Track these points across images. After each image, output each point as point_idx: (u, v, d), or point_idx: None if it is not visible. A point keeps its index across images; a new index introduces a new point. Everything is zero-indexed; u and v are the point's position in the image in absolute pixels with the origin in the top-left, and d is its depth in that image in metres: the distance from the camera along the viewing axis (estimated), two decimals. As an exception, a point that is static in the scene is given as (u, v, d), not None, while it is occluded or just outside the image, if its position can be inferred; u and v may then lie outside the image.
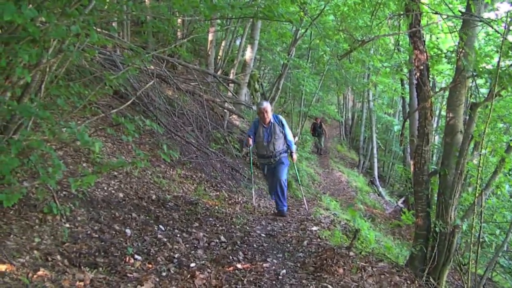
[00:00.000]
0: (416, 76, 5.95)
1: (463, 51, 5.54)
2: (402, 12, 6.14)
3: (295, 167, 10.40)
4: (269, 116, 8.78)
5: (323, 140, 28.80)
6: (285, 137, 8.87)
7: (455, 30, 6.44)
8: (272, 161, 8.88)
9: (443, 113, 21.06)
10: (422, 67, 5.85)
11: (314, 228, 7.78)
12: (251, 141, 8.88)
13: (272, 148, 8.74)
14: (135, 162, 4.33)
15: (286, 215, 8.93)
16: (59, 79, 4.49)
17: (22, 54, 3.28)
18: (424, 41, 6.01)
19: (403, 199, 19.47)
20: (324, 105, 31.07)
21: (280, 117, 9.01)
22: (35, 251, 4.04)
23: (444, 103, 20.39)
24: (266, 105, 8.82)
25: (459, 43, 5.64)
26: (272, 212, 9.22)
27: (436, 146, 16.81)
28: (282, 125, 8.85)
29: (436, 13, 5.98)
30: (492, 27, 5.40)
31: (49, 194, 4.97)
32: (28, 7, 3.16)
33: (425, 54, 5.87)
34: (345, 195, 17.43)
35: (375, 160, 25.48)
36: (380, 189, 23.28)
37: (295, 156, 9.12)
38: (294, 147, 9.04)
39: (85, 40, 4.25)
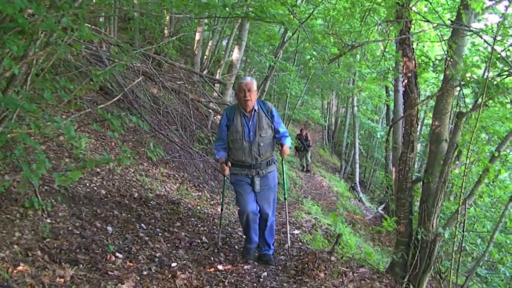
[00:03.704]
0: (404, 83, 5.98)
1: (451, 60, 5.58)
2: (392, 19, 6.15)
3: (284, 172, 6.36)
4: (253, 99, 5.59)
5: (310, 155, 24.10)
6: (277, 130, 5.78)
7: (442, 39, 6.47)
8: (253, 174, 5.74)
9: (426, 121, 21.26)
10: (410, 75, 5.88)
11: (296, 231, 7.79)
12: (227, 170, 5.76)
13: (256, 151, 5.63)
14: (121, 159, 4.28)
15: (272, 261, 5.98)
16: (46, 72, 4.43)
17: (10, 45, 3.22)
18: (413, 48, 6.04)
19: (383, 205, 19.53)
20: (309, 109, 31.15)
21: (269, 104, 5.86)
22: (15, 246, 3.97)
23: (428, 111, 20.58)
24: (250, 80, 5.60)
25: (447, 51, 5.68)
26: (242, 268, 5.70)
27: (418, 154, 16.92)
28: (272, 116, 5.74)
29: (426, 21, 6.01)
30: (481, 37, 5.43)
31: (31, 189, 4.91)
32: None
33: (413, 61, 5.91)
34: (326, 199, 17.45)
35: (357, 165, 25.57)
36: (361, 195, 23.34)
37: (286, 148, 5.70)
38: (288, 140, 5.79)
39: (73, 34, 4.19)
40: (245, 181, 5.80)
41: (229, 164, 5.70)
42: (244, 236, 6.18)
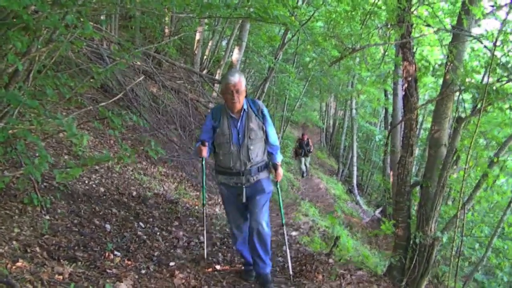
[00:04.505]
0: (404, 87, 5.99)
1: (451, 64, 5.59)
2: (393, 23, 6.16)
3: (278, 189, 5.53)
4: (241, 100, 4.84)
5: (309, 161, 23.11)
6: (267, 139, 5.05)
7: (442, 44, 6.49)
8: (243, 182, 4.94)
9: (425, 125, 21.29)
10: (410, 79, 5.90)
11: (294, 233, 7.79)
12: (204, 151, 4.87)
13: (245, 156, 4.89)
14: (122, 157, 4.29)
15: (270, 281, 5.23)
16: (48, 69, 4.44)
17: (14, 41, 3.23)
18: (414, 52, 6.06)
19: (380, 209, 19.53)
20: (307, 111, 31.17)
21: (260, 103, 5.09)
22: (14, 242, 3.97)
23: (427, 115, 20.61)
24: (238, 80, 4.74)
25: (448, 56, 5.69)
26: (239, 269, 5.61)
27: (416, 158, 16.95)
28: (263, 116, 5.00)
29: (428, 25, 6.03)
30: (482, 43, 5.45)
31: (30, 185, 4.90)
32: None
33: (414, 65, 5.92)
34: (324, 202, 17.45)
35: (355, 168, 25.57)
36: (358, 197, 23.37)
37: (280, 171, 5.22)
38: (279, 157, 5.20)
39: (75, 31, 4.20)
40: (233, 189, 5.02)
41: (207, 144, 4.89)
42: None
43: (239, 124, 4.88)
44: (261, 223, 4.96)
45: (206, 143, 4.89)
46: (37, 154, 4.80)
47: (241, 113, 4.91)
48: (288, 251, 5.56)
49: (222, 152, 4.96)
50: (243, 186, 4.93)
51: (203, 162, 5.28)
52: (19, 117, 4.61)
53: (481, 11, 5.73)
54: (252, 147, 4.88)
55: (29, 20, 3.32)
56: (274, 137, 5.10)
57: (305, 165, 22.46)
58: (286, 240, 5.78)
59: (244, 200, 4.94)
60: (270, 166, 5.15)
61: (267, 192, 5.06)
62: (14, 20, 3.55)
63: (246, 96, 4.93)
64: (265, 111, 5.03)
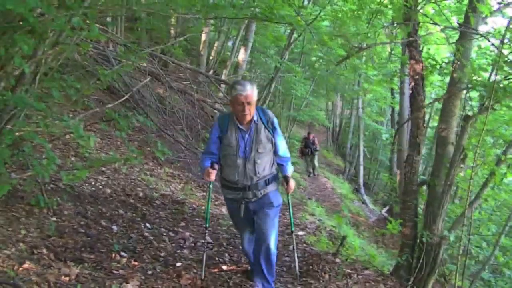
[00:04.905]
0: (411, 86, 5.97)
1: (459, 62, 5.57)
2: (400, 21, 6.14)
3: (289, 200, 5.22)
4: (252, 112, 4.51)
5: (317, 160, 22.80)
6: (276, 151, 4.72)
7: (448, 42, 6.47)
8: (250, 197, 4.62)
9: (431, 123, 21.22)
10: (417, 77, 5.87)
11: (300, 233, 7.78)
12: (213, 175, 4.59)
13: (251, 170, 4.55)
14: (129, 158, 4.30)
15: None
16: (54, 71, 4.45)
17: (21, 44, 3.24)
18: (421, 51, 6.03)
19: (387, 208, 19.46)
20: (313, 110, 31.12)
21: (270, 113, 4.75)
22: (21, 244, 4.00)
23: (433, 113, 20.54)
24: (251, 91, 4.40)
25: (455, 54, 5.67)
26: (246, 269, 5.46)
27: (422, 157, 16.90)
28: (273, 128, 4.66)
29: (434, 23, 6.00)
30: (489, 41, 5.43)
31: (37, 187, 4.93)
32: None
33: (421, 64, 5.90)
34: (330, 201, 17.41)
35: (361, 167, 25.46)
36: (365, 197, 23.30)
37: (292, 183, 4.83)
38: (290, 168, 4.89)
39: (81, 33, 4.21)
40: (240, 203, 4.65)
41: (216, 166, 4.59)
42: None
43: (247, 136, 4.55)
44: (269, 244, 4.63)
45: (216, 166, 4.60)
46: (44, 156, 4.82)
47: (250, 125, 4.56)
48: (295, 254, 5.33)
49: (227, 164, 4.63)
50: (250, 201, 4.62)
51: (211, 185, 4.96)
52: (26, 120, 4.63)
53: (488, 9, 5.71)
54: (259, 161, 4.55)
55: (35, 23, 3.33)
56: (284, 149, 4.78)
57: (313, 164, 22.24)
58: (295, 245, 5.48)
59: (251, 214, 4.68)
60: (280, 178, 4.84)
61: (276, 206, 4.72)
62: (21, 23, 3.57)
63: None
64: (275, 122, 4.69)
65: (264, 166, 4.60)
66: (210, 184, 4.87)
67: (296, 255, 5.34)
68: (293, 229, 5.49)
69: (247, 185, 4.56)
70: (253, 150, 4.51)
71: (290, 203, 5.28)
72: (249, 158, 4.51)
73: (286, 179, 4.75)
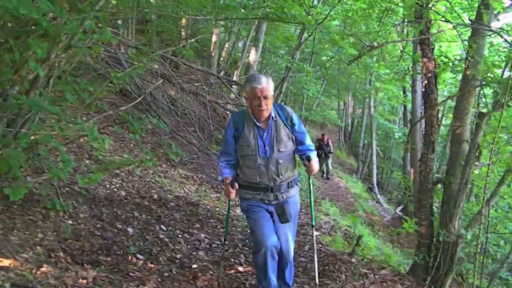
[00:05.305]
0: (424, 84, 5.94)
1: (472, 59, 5.53)
2: (411, 19, 6.11)
3: (311, 184, 4.70)
4: (270, 107, 4.15)
5: (331, 162, 22.47)
6: (298, 147, 4.32)
7: (459, 39, 6.42)
8: (271, 199, 4.27)
9: (445, 121, 21.10)
10: (430, 75, 5.84)
11: (315, 233, 7.74)
12: (233, 194, 4.20)
13: (273, 171, 4.19)
14: (144, 160, 4.30)
15: None
16: (67, 75, 4.47)
17: (34, 48, 3.25)
18: (433, 49, 6.00)
19: (401, 206, 19.36)
20: (325, 110, 31.10)
21: (289, 109, 4.38)
22: (38, 247, 4.01)
23: (447, 111, 20.43)
24: (266, 84, 4.04)
25: (468, 52, 5.63)
26: None
27: (436, 155, 16.80)
28: (292, 125, 4.28)
29: (446, 21, 5.97)
30: (502, 37, 5.38)
31: (53, 190, 4.95)
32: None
33: (433, 62, 5.87)
34: (344, 201, 17.37)
35: (374, 166, 25.38)
36: (379, 196, 23.21)
37: (314, 162, 4.17)
38: (313, 152, 4.29)
39: (93, 36, 4.23)
40: (261, 206, 4.29)
41: (236, 186, 4.19)
42: (259, 281, 4.47)
43: (265, 134, 4.18)
44: (290, 253, 4.46)
45: (236, 186, 4.18)
46: (59, 160, 4.84)
47: (269, 122, 4.20)
48: (316, 255, 4.82)
49: (246, 165, 4.25)
50: (270, 203, 4.26)
51: (230, 203, 4.72)
52: (41, 123, 4.66)
53: (501, 5, 5.66)
54: (281, 161, 4.18)
55: (48, 27, 3.34)
56: (309, 141, 4.38)
57: (327, 165, 21.75)
58: (315, 242, 4.99)
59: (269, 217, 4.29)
60: (302, 159, 4.31)
61: (295, 215, 4.47)
62: (34, 27, 3.59)
63: None
64: (295, 118, 4.31)
65: (287, 166, 4.26)
66: (230, 201, 4.55)
67: (316, 261, 4.80)
68: (314, 223, 4.95)
69: (270, 186, 4.22)
70: (274, 150, 4.16)
71: (311, 189, 4.80)
72: (271, 158, 4.15)
73: (308, 158, 4.18)
